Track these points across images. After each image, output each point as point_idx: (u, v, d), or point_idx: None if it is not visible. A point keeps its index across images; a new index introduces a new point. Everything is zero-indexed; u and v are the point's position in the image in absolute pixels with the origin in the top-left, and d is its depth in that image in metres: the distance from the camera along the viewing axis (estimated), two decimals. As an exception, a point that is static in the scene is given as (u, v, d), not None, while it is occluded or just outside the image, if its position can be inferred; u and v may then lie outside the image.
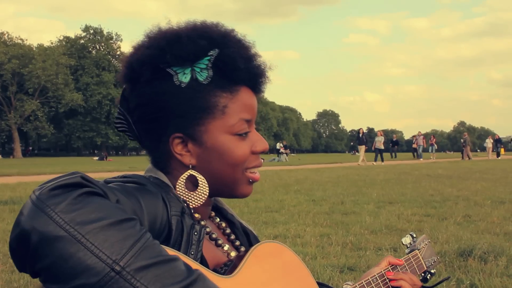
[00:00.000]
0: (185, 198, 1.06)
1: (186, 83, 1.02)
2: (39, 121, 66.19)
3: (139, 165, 24.48)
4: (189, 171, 1.06)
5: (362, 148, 27.53)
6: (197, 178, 1.07)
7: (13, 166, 26.79)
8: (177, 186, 1.06)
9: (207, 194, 1.08)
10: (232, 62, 1.05)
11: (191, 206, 1.07)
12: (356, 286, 1.27)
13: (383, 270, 1.35)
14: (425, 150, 37.39)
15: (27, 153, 74.43)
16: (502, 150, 43.78)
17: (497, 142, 42.09)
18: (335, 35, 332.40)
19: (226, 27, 1.10)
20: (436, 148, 38.95)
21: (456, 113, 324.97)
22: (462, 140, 38.60)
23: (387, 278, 1.33)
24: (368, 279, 1.30)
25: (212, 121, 1.05)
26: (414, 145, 36.49)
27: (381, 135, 29.19)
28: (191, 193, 1.07)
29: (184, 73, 1.03)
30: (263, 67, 1.11)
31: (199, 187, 1.07)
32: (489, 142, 40.66)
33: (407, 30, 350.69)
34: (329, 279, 3.36)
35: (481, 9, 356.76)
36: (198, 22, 1.09)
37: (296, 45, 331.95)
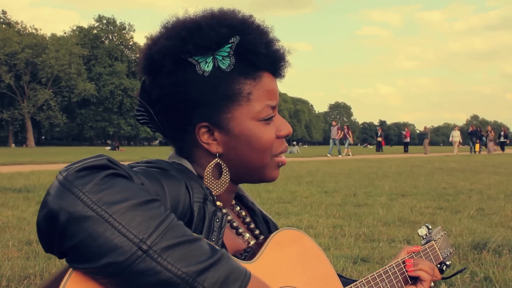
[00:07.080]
0: (209, 186, 1.07)
1: (209, 72, 1.02)
2: (51, 111, 66.49)
3: (150, 155, 24.54)
4: (216, 159, 1.07)
5: None
6: (222, 167, 1.07)
7: (26, 155, 27.01)
8: (205, 174, 1.07)
9: (228, 183, 1.09)
10: (253, 48, 1.04)
11: (214, 194, 1.07)
12: (374, 274, 1.26)
13: (401, 259, 1.34)
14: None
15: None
16: (477, 146, 32.42)
17: (472, 135, 32.98)
18: (348, 28, 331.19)
19: (244, 13, 1.10)
20: (351, 142, 30.61)
21: (469, 107, 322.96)
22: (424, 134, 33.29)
23: (405, 268, 1.32)
24: (385, 268, 1.29)
25: (238, 108, 1.05)
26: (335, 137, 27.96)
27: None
28: (216, 181, 1.08)
29: (206, 62, 1.02)
30: (282, 51, 1.11)
31: (222, 176, 1.08)
32: (455, 135, 32.11)
33: (420, 23, 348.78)
34: (342, 270, 3.36)
35: (495, 3, 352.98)
36: (216, 10, 1.09)
37: (308, 37, 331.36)
